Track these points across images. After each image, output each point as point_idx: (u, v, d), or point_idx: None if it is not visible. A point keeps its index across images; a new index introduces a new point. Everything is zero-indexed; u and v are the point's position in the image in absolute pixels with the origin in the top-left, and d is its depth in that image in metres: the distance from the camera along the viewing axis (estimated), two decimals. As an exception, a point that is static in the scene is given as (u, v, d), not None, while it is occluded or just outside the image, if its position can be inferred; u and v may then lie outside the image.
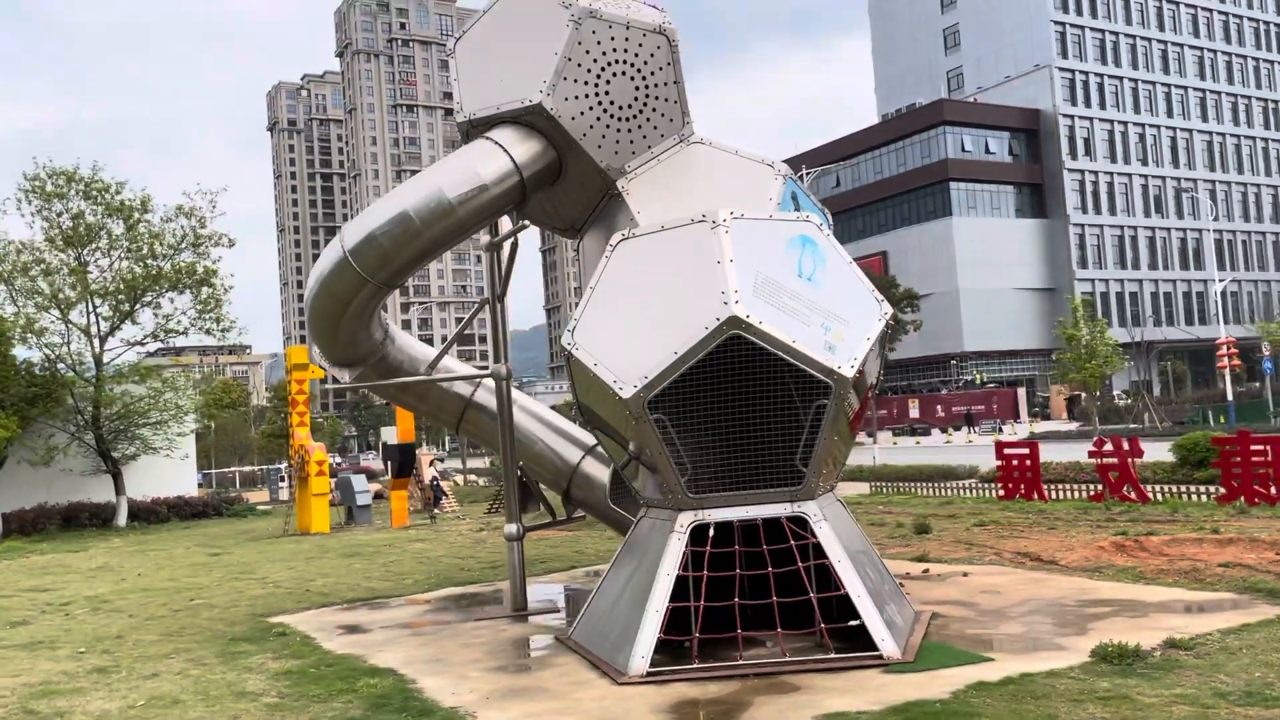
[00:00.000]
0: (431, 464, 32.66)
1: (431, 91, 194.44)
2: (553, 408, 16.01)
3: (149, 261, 36.72)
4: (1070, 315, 38.81)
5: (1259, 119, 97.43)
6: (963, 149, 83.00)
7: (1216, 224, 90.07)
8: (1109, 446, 22.94)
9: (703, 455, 9.55)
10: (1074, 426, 62.36)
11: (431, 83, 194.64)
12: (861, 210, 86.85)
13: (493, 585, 15.35)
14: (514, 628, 11.76)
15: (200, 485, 50.16)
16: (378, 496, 35.45)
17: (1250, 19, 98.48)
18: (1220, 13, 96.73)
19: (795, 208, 11.43)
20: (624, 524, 13.04)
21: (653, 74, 11.86)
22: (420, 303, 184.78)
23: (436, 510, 31.61)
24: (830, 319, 9.46)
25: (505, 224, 13.43)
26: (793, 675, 8.68)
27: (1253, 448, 20.37)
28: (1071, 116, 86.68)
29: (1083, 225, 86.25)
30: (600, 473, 13.00)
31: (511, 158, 11.38)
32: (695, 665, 9.01)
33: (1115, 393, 56.05)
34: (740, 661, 9.04)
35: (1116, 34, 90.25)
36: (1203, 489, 21.76)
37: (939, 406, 75.76)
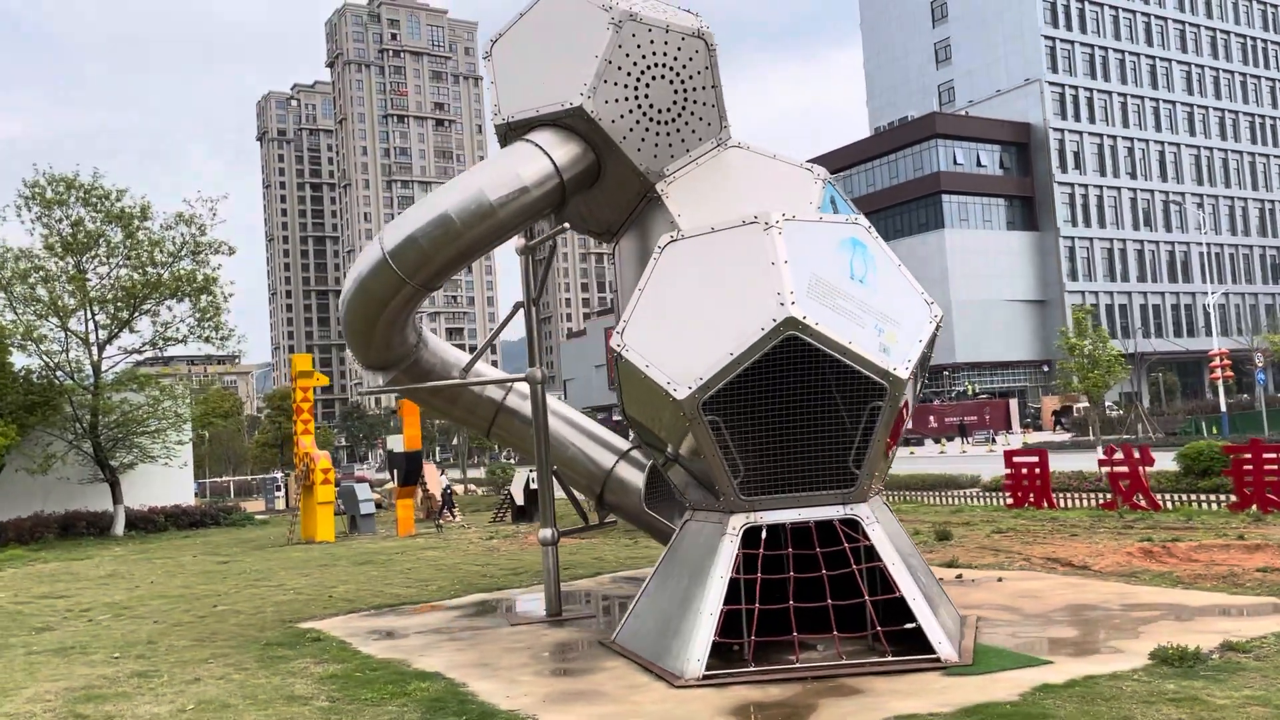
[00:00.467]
0: (444, 472, 32.48)
1: (422, 102, 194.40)
2: None
3: (148, 269, 36.54)
4: (1072, 325, 38.98)
5: (1245, 133, 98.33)
6: (954, 162, 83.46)
7: (1204, 237, 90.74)
8: (1119, 455, 23.04)
9: (755, 457, 9.51)
10: (1066, 437, 62.64)
11: (422, 93, 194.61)
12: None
13: (520, 591, 15.25)
14: (553, 632, 11.67)
15: (195, 495, 49.86)
16: (376, 506, 35.29)
17: (1237, 34, 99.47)
18: (1208, 28, 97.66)
19: (834, 212, 11.43)
20: (658, 528, 13.01)
21: (691, 77, 11.87)
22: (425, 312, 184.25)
23: (444, 519, 31.47)
24: (883, 321, 9.46)
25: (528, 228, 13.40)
26: (851, 678, 8.65)
27: (1265, 456, 20.48)
28: (1061, 130, 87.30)
29: (1073, 238, 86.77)
30: (635, 477, 12.94)
31: (552, 160, 11.36)
32: (752, 668, 8.96)
33: (1107, 404, 56.30)
34: (797, 664, 9.00)
35: (1106, 49, 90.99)
36: (1210, 497, 21.88)
37: (932, 417, 75.95)
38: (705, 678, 8.78)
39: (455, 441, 70.49)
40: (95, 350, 35.91)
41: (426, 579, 17.28)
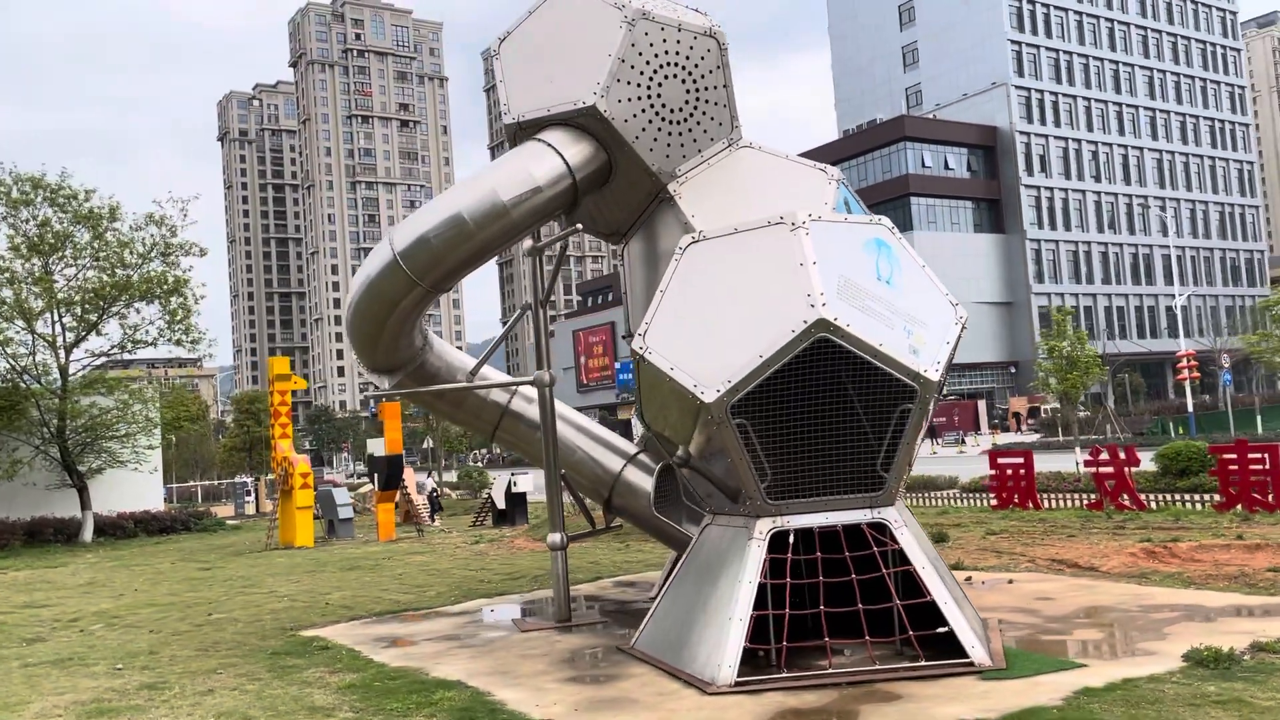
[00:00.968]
0: (430, 475, 32.13)
1: (387, 102, 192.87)
2: None
3: (117, 270, 35.84)
4: (1053, 326, 39.33)
5: (1205, 138, 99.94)
6: (923, 164, 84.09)
7: (1166, 240, 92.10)
8: (1105, 455, 23.20)
9: (782, 461, 9.40)
10: (1035, 438, 63.24)
11: (387, 94, 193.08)
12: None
13: (521, 596, 15.05)
14: (565, 638, 11.50)
15: (164, 500, 49.01)
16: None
17: (1198, 40, 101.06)
18: (1169, 34, 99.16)
19: (849, 212, 11.37)
20: (667, 532, 12.87)
21: (703, 77, 11.78)
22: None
23: (423, 522, 31.15)
24: (911, 322, 9.39)
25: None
26: (886, 683, 8.56)
27: (1250, 456, 20.68)
28: (1028, 134, 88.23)
29: (1039, 240, 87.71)
30: (643, 481, 12.79)
31: (564, 159, 11.21)
32: (785, 674, 8.85)
33: (1066, 404, 56.91)
34: (830, 670, 8.90)
35: (1070, 53, 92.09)
36: (1192, 497, 22.09)
37: (902, 419, 76.08)
38: (737, 684, 8.66)
39: (426, 445, 69.89)
40: (62, 353, 35.16)
41: (422, 585, 17.03)
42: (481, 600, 14.84)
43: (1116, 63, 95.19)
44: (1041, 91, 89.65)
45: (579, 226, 11.98)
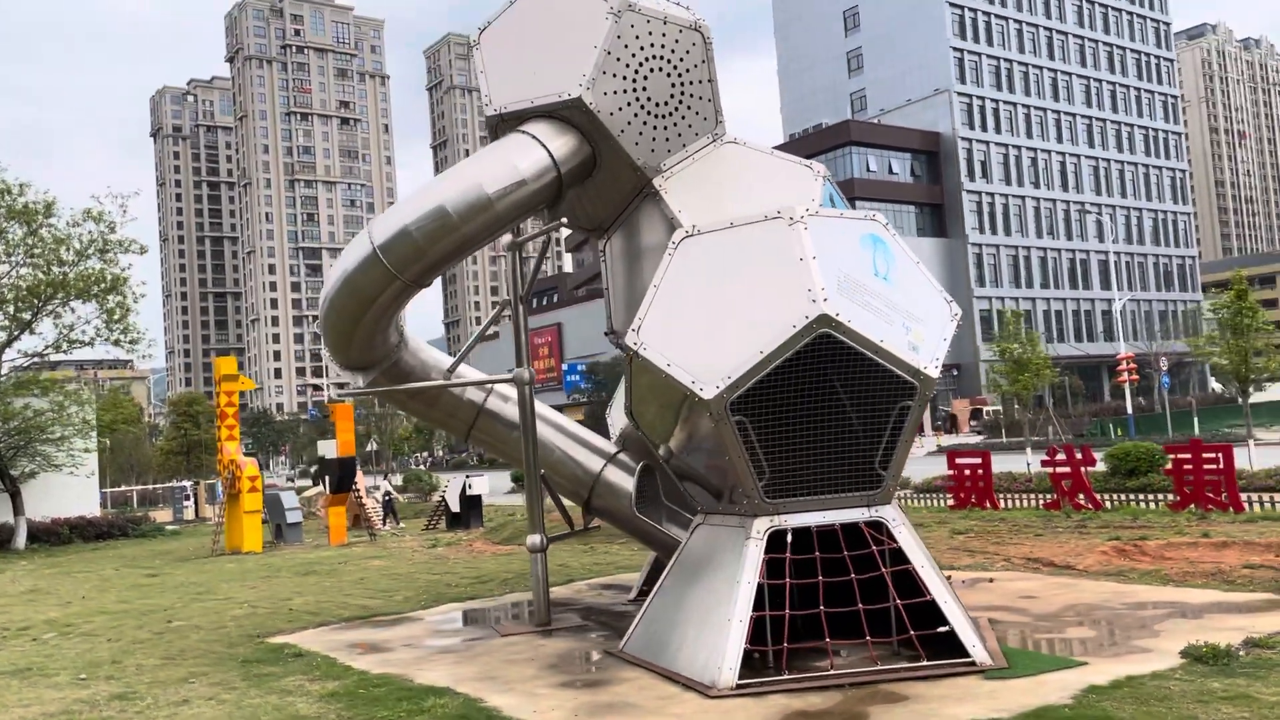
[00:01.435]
0: (386, 479, 31.53)
1: (327, 100, 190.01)
2: None
3: (52, 268, 34.64)
4: (994, 330, 39.85)
5: (1140, 146, 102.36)
6: (868, 169, 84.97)
7: (1102, 245, 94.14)
8: (1061, 456, 23.49)
9: (780, 459, 9.24)
10: (979, 439, 64.17)
11: (327, 91, 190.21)
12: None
13: (494, 600, 14.73)
14: (549, 642, 11.24)
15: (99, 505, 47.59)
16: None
17: (1133, 50, 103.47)
18: (1105, 44, 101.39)
19: (834, 208, 11.28)
20: (647, 532, 12.67)
21: (688, 71, 11.61)
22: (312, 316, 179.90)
23: (384, 527, 30.60)
24: (908, 319, 9.31)
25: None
26: (890, 684, 8.45)
27: (1205, 456, 21.06)
28: (969, 140, 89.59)
29: (980, 245, 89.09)
30: (624, 481, 12.56)
31: (549, 152, 10.97)
32: (786, 676, 8.70)
33: (1016, 406, 57.89)
34: (832, 671, 8.77)
35: (1011, 61, 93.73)
36: (1143, 496, 22.45)
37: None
38: (739, 687, 8.48)
39: (370, 448, 68.90)
40: (-6, 353, 33.92)
41: (386, 589, 16.62)
42: (453, 604, 14.50)
43: (1055, 71, 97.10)
44: (983, 98, 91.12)
45: (563, 221, 11.73)
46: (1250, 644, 8.81)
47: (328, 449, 29.40)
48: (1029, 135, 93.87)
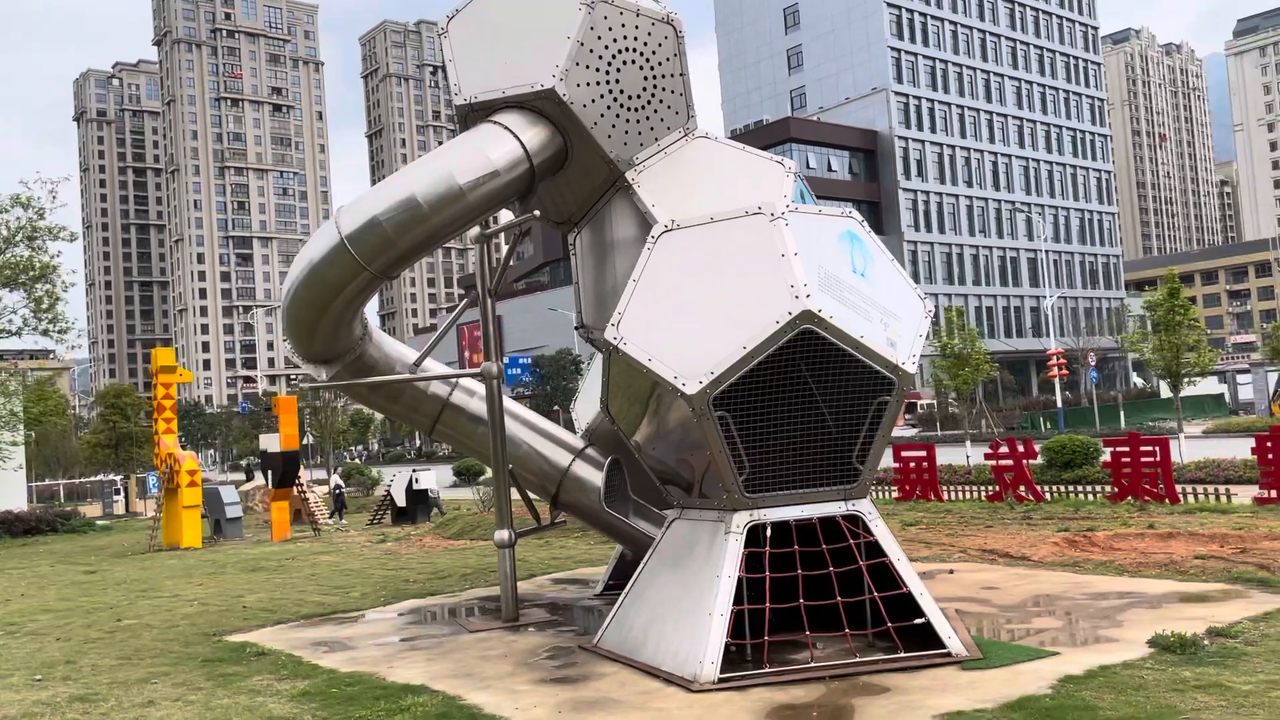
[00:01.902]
0: (336, 471, 30.99)
1: (259, 85, 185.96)
2: None
3: (-24, 256, 33.45)
4: (947, 325, 40.56)
5: (1068, 147, 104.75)
6: (807, 166, 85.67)
7: (1031, 243, 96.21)
8: (1004, 449, 23.96)
9: (760, 453, 9.27)
10: (912, 432, 65.22)
11: (258, 76, 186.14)
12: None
13: (456, 596, 14.58)
14: (519, 638, 11.15)
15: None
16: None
17: (1062, 54, 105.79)
18: (1036, 46, 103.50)
19: (804, 204, 11.34)
20: (616, 527, 12.64)
21: (661, 64, 11.58)
22: (260, 306, 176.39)
23: (335, 521, 30.12)
24: (886, 315, 9.41)
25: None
26: (870, 676, 8.54)
27: (1142, 449, 21.63)
28: (906, 139, 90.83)
29: (915, 242, 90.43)
30: (593, 476, 12.49)
31: (522, 143, 10.85)
32: (767, 669, 8.74)
33: (951, 400, 58.97)
34: (813, 664, 8.83)
35: (946, 62, 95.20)
36: (1081, 488, 23.02)
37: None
38: (721, 681, 8.50)
39: (307, 441, 67.74)
40: (-83, 343, 32.66)
41: (341, 585, 16.35)
42: (414, 601, 14.32)
43: (988, 72, 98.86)
44: (919, 98, 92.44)
45: (536, 214, 11.61)
46: (1214, 633, 9.06)
47: (270, 442, 28.81)
48: (963, 135, 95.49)
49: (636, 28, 11.34)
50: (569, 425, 14.83)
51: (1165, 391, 69.37)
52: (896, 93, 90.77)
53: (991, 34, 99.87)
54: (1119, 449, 21.87)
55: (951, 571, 13.31)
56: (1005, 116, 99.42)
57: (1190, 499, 20.27)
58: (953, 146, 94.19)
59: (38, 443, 56.99)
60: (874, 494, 26.87)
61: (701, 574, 9.32)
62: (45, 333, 36.02)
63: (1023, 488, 22.82)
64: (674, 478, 10.60)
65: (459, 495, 35.39)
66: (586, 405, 13.90)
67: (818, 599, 9.28)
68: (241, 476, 61.47)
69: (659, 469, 10.72)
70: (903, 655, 8.87)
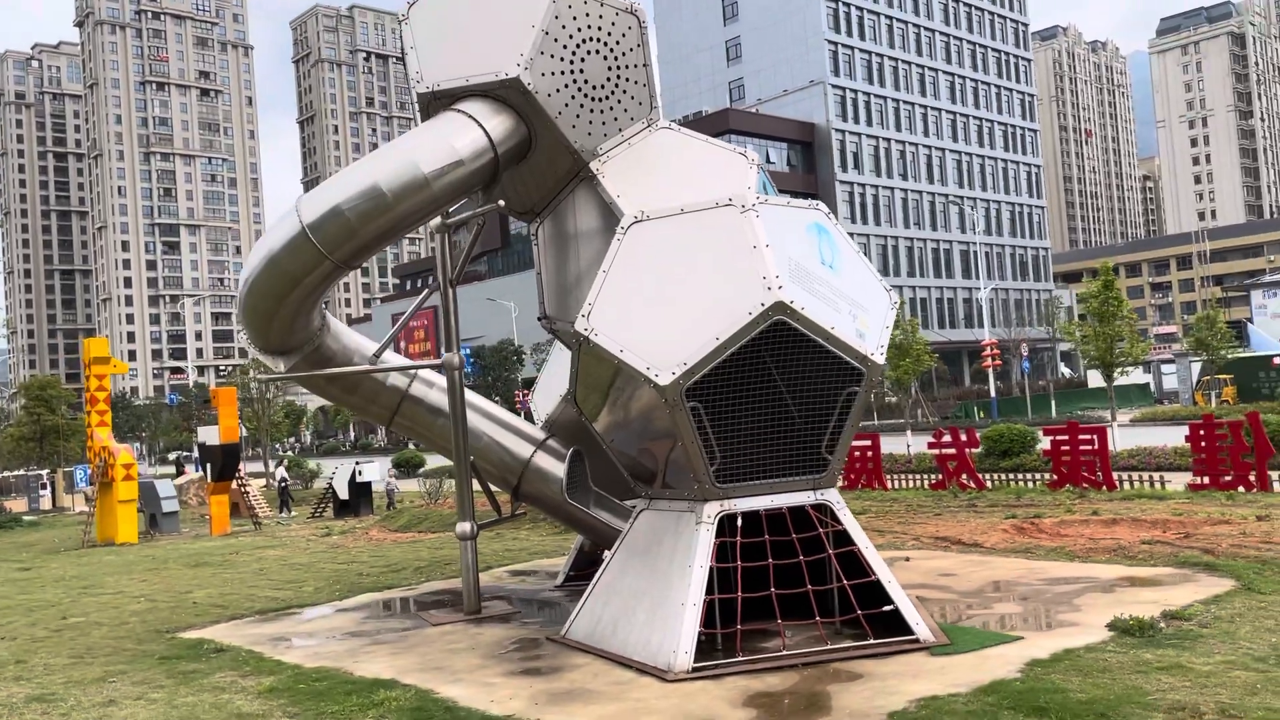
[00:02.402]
0: (281, 464, 30.44)
1: (185, 69, 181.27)
2: None
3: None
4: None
5: (1000, 141, 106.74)
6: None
7: (964, 236, 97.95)
8: (947, 438, 24.40)
9: (732, 443, 9.32)
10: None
11: (185, 60, 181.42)
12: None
13: (413, 589, 14.44)
14: (484, 630, 11.09)
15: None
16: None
17: (994, 49, 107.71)
18: (969, 42, 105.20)
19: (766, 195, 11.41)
20: (578, 518, 12.62)
21: (624, 54, 11.56)
22: (189, 295, 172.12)
23: (284, 514, 29.61)
24: (854, 306, 9.51)
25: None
26: (841, 663, 8.65)
27: (1081, 438, 22.19)
28: (843, 131, 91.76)
29: (852, 234, 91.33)
30: (555, 467, 12.44)
31: (486, 132, 10.75)
32: (740, 658, 8.81)
33: (888, 389, 59.91)
34: (785, 651, 8.92)
35: (882, 56, 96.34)
36: (1022, 476, 23.56)
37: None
38: (695, 670, 8.55)
39: (241, 434, 66.42)
40: None
41: (293, 580, 16.09)
42: (370, 594, 14.15)
43: (923, 67, 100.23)
44: (855, 91, 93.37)
45: (501, 203, 11.52)
46: (1169, 616, 9.34)
47: (209, 435, 28.22)
48: (898, 128, 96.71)
49: (601, 18, 11.29)
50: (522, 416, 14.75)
51: (1093, 381, 71.30)
52: (834, 86, 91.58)
53: (926, 29, 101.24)
54: (1058, 438, 22.41)
55: (908, 559, 13.52)
56: (939, 110, 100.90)
57: (1126, 486, 20.85)
58: (888, 140, 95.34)
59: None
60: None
61: (673, 564, 9.35)
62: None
63: (965, 476, 23.30)
64: (635, 468, 10.62)
65: (401, 487, 35.01)
66: (545, 397, 13.86)
67: (785, 588, 9.37)
68: (172, 471, 60.13)
69: (624, 461, 10.72)
70: (872, 642, 9.00)
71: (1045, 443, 23.08)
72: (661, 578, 9.40)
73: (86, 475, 43.75)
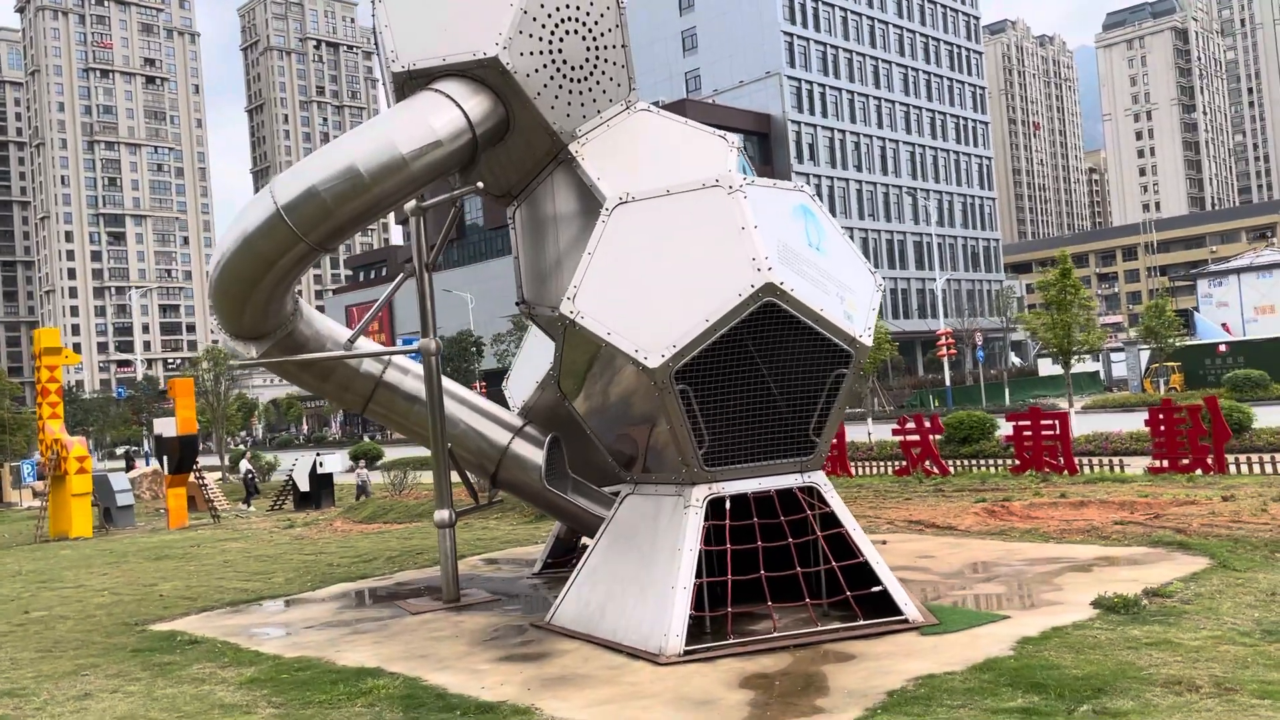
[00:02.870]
0: (247, 456, 29.91)
1: (130, 56, 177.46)
2: None
3: None
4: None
5: (951, 133, 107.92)
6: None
7: (918, 227, 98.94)
8: (911, 425, 24.60)
9: (720, 426, 9.26)
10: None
11: (130, 47, 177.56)
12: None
13: (386, 579, 14.24)
14: (466, 618, 10.96)
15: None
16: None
17: (946, 42, 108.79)
18: (922, 34, 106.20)
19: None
20: (557, 505, 12.50)
21: (603, 34, 11.45)
22: (136, 286, 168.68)
23: (246, 506, 29.13)
24: (841, 288, 9.49)
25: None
26: (832, 644, 8.64)
27: (1043, 424, 22.49)
28: (799, 123, 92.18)
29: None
30: (533, 454, 12.30)
31: (464, 112, 10.59)
32: (732, 640, 8.77)
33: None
34: (776, 633, 8.89)
35: (837, 48, 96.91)
36: (982, 462, 23.86)
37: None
38: (687, 653, 8.50)
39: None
40: None
41: (260, 572, 15.81)
42: (344, 584, 13.94)
43: (877, 59, 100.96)
44: (811, 82, 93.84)
45: (480, 185, 11.35)
46: (1151, 594, 9.45)
47: (166, 426, 27.66)
48: (853, 120, 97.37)
49: (579, -3, 11.15)
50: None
51: (1044, 369, 72.40)
52: (789, 77, 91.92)
53: (880, 21, 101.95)
54: (1021, 424, 22.71)
55: (885, 542, 13.57)
56: (893, 102, 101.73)
57: (1087, 470, 21.18)
58: (843, 131, 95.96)
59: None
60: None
61: (662, 548, 9.28)
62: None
63: (929, 462, 23.51)
64: (614, 452, 10.53)
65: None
66: (519, 383, 13.73)
67: (774, 570, 9.35)
68: (122, 465, 58.98)
69: (607, 445, 10.63)
70: (862, 623, 9.00)
71: (1006, 429, 23.36)
72: (650, 562, 9.33)
73: (35, 469, 42.76)
